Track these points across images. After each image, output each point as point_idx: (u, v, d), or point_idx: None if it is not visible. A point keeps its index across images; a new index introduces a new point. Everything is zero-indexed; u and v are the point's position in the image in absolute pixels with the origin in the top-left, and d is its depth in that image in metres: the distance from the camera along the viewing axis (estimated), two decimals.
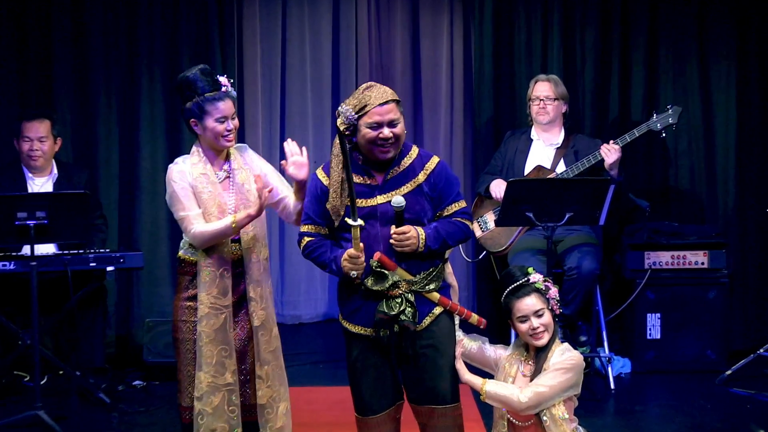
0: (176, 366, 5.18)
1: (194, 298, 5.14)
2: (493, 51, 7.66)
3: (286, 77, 8.12)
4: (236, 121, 5.17)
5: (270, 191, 5.05)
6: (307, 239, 4.76)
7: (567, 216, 6.29)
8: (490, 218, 7.03)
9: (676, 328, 7.12)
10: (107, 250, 6.63)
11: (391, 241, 4.61)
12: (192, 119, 5.09)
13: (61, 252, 6.49)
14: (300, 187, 5.14)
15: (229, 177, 5.17)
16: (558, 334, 4.79)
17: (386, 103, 4.58)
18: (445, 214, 4.75)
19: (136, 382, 6.93)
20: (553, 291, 4.77)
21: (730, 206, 7.68)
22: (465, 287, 8.31)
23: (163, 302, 7.38)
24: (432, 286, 4.72)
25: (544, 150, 7.09)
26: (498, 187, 6.97)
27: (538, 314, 4.73)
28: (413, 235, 4.61)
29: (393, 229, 4.61)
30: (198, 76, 5.08)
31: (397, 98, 4.63)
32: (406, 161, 4.73)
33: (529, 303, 4.73)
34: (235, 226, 5.01)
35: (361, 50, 8.13)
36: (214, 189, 5.09)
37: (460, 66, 8.20)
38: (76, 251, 6.49)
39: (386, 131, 4.61)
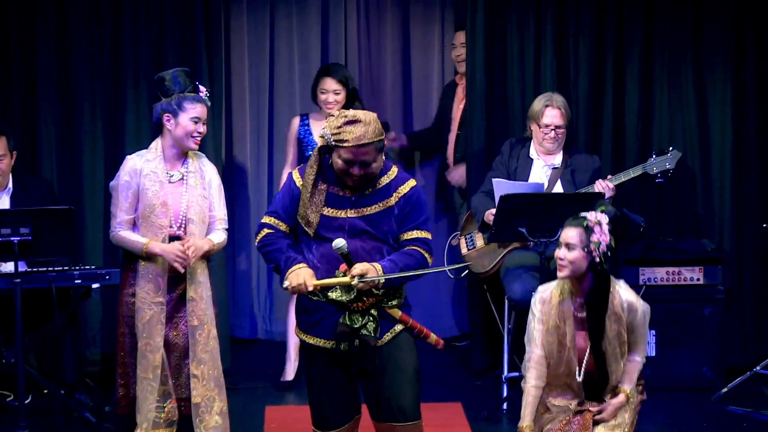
0: (116, 360, 5.58)
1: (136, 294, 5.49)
2: (485, 62, 7.64)
3: (274, 89, 8.17)
4: (205, 128, 5.53)
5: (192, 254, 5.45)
6: (267, 231, 4.91)
7: (560, 231, 6.34)
8: (477, 236, 7.03)
9: (671, 345, 7.17)
10: (92, 267, 6.65)
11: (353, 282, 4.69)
12: (167, 114, 5.45)
13: (46, 269, 6.49)
14: None
15: (183, 178, 5.50)
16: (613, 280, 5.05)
17: (363, 146, 4.67)
18: (404, 237, 4.86)
19: None
20: (599, 237, 4.92)
21: (726, 221, 7.70)
22: (459, 303, 8.37)
23: None
24: (394, 302, 4.84)
25: (542, 170, 7.05)
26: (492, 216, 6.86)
27: (568, 247, 4.96)
28: (371, 274, 4.69)
29: (347, 270, 4.69)
30: (179, 74, 5.50)
31: (378, 138, 4.70)
32: (383, 180, 4.84)
33: (567, 233, 4.99)
34: (144, 251, 5.44)
35: (350, 62, 8.18)
36: (160, 188, 5.45)
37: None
38: (60, 268, 6.50)
39: (356, 170, 4.73)
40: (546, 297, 5.12)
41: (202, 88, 5.55)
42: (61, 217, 6.15)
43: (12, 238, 5.96)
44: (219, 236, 5.61)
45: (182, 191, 5.52)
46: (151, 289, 5.46)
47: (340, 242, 4.66)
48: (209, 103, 5.57)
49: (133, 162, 5.53)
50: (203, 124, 5.49)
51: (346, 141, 4.66)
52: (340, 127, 4.67)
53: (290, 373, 7.14)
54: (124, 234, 5.51)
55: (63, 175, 7.53)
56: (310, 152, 6.80)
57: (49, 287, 6.32)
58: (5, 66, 7.53)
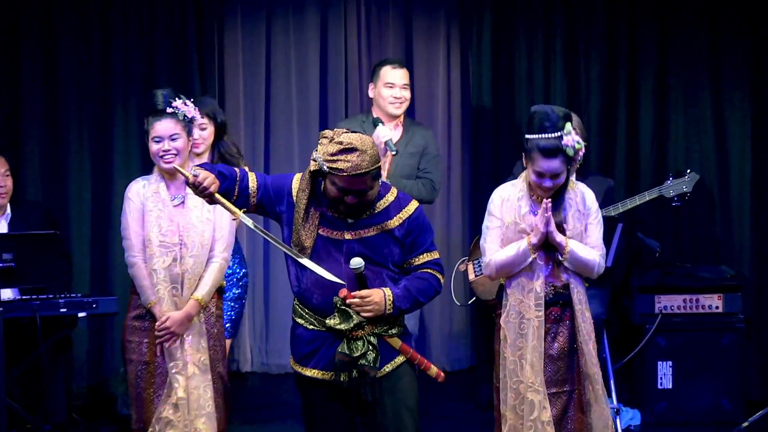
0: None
1: (141, 317, 5.41)
2: (492, 81, 7.70)
3: (270, 108, 8.08)
4: (179, 143, 5.38)
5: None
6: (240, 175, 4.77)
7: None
8: None
9: (688, 377, 7.14)
10: (79, 295, 6.58)
11: (352, 303, 4.64)
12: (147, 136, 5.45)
13: (29, 297, 6.43)
14: None
15: (183, 202, 5.42)
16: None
17: (359, 175, 4.58)
18: (416, 263, 4.83)
19: None
20: (572, 144, 4.99)
21: (746, 246, 7.72)
22: (463, 334, 8.27)
23: None
24: (394, 331, 4.78)
25: None
26: None
27: (555, 176, 5.03)
28: (375, 300, 4.66)
29: (356, 292, 4.65)
30: (156, 92, 5.44)
31: (375, 166, 4.62)
32: (381, 205, 4.77)
33: (553, 166, 5.01)
34: (149, 307, 5.35)
35: (351, 80, 8.09)
36: (163, 207, 5.36)
37: (458, 97, 8.17)
38: (45, 296, 6.43)
39: (351, 199, 4.66)
40: (504, 195, 5.22)
41: (176, 102, 5.39)
42: (45, 243, 6.10)
43: None
44: (210, 276, 5.46)
45: (183, 213, 5.40)
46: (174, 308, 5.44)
47: (358, 261, 4.60)
48: (183, 115, 5.39)
49: (137, 186, 5.47)
50: (171, 140, 5.35)
51: (342, 170, 4.57)
52: (334, 154, 4.58)
53: None
54: (137, 273, 5.38)
55: (48, 200, 7.51)
56: None
57: (41, 316, 6.24)
58: None
